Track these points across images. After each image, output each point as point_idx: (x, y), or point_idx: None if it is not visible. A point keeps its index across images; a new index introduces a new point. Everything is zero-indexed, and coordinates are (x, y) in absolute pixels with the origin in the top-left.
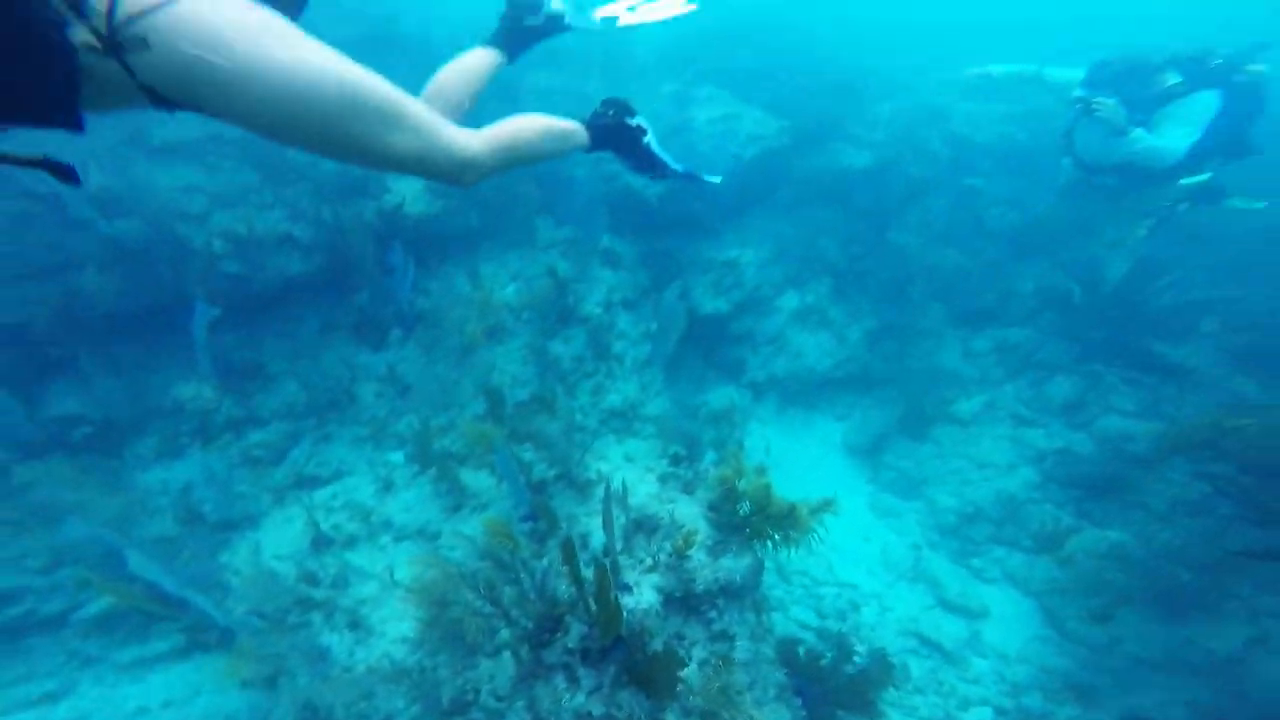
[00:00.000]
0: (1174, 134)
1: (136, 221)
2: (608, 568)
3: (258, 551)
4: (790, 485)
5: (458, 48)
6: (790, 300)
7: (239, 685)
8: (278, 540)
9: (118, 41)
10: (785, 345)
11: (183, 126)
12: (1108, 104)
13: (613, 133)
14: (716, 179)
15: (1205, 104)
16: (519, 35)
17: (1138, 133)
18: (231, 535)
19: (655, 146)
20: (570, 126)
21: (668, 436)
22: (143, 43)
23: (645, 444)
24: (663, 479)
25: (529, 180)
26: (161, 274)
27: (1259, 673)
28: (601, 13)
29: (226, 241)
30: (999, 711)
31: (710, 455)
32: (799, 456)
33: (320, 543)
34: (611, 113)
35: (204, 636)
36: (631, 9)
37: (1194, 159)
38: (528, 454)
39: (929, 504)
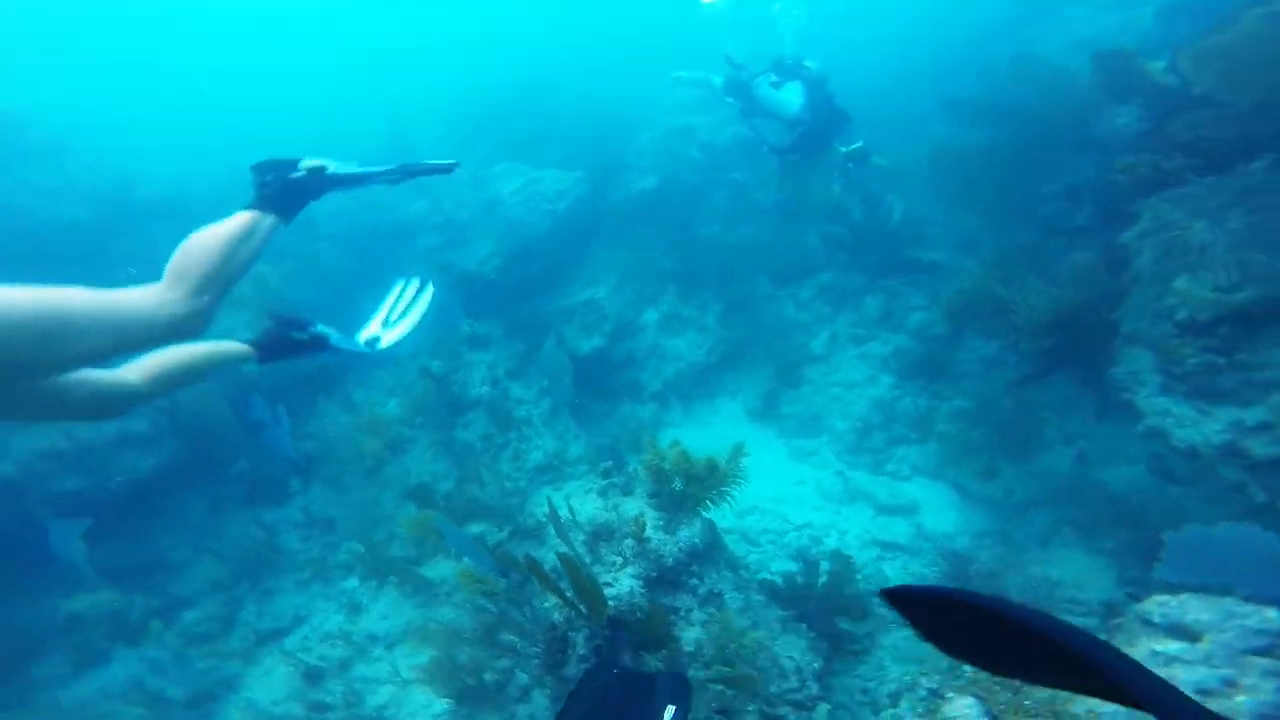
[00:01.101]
0: (788, 99)
1: None
2: (571, 558)
3: (251, 706)
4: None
5: (222, 206)
6: (650, 315)
7: None
8: (267, 691)
9: None
10: (664, 353)
11: None
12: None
13: (286, 193)
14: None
15: (795, 89)
16: (280, 345)
17: (765, 88)
18: (212, 705)
19: (346, 169)
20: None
21: (594, 462)
22: None
23: (581, 482)
24: (602, 492)
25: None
26: None
27: (1089, 481)
28: (366, 335)
29: (49, 460)
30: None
31: (635, 459)
32: (716, 439)
33: (314, 676)
34: (271, 177)
35: None
36: (388, 325)
37: (817, 127)
38: (475, 528)
39: (831, 433)
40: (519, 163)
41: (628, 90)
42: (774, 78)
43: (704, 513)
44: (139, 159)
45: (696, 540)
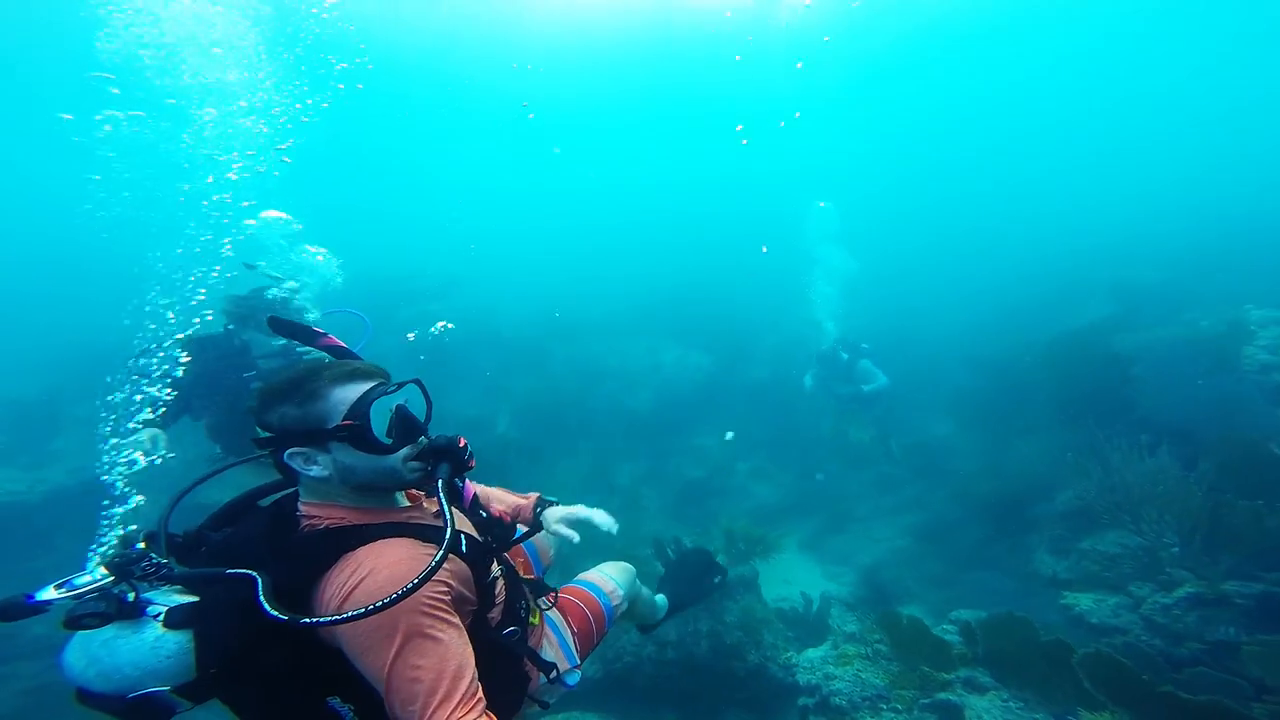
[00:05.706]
0: (877, 378)
1: None
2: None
3: None
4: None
5: None
6: (744, 464)
7: None
8: None
9: None
10: (748, 492)
11: None
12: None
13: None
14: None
15: (869, 366)
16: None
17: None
18: None
19: None
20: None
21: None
22: None
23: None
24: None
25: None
26: None
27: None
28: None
29: None
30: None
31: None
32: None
33: None
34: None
35: None
36: None
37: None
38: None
39: (855, 564)
40: (676, 342)
41: (762, 297)
42: (845, 355)
43: (754, 563)
44: None
45: (744, 573)
